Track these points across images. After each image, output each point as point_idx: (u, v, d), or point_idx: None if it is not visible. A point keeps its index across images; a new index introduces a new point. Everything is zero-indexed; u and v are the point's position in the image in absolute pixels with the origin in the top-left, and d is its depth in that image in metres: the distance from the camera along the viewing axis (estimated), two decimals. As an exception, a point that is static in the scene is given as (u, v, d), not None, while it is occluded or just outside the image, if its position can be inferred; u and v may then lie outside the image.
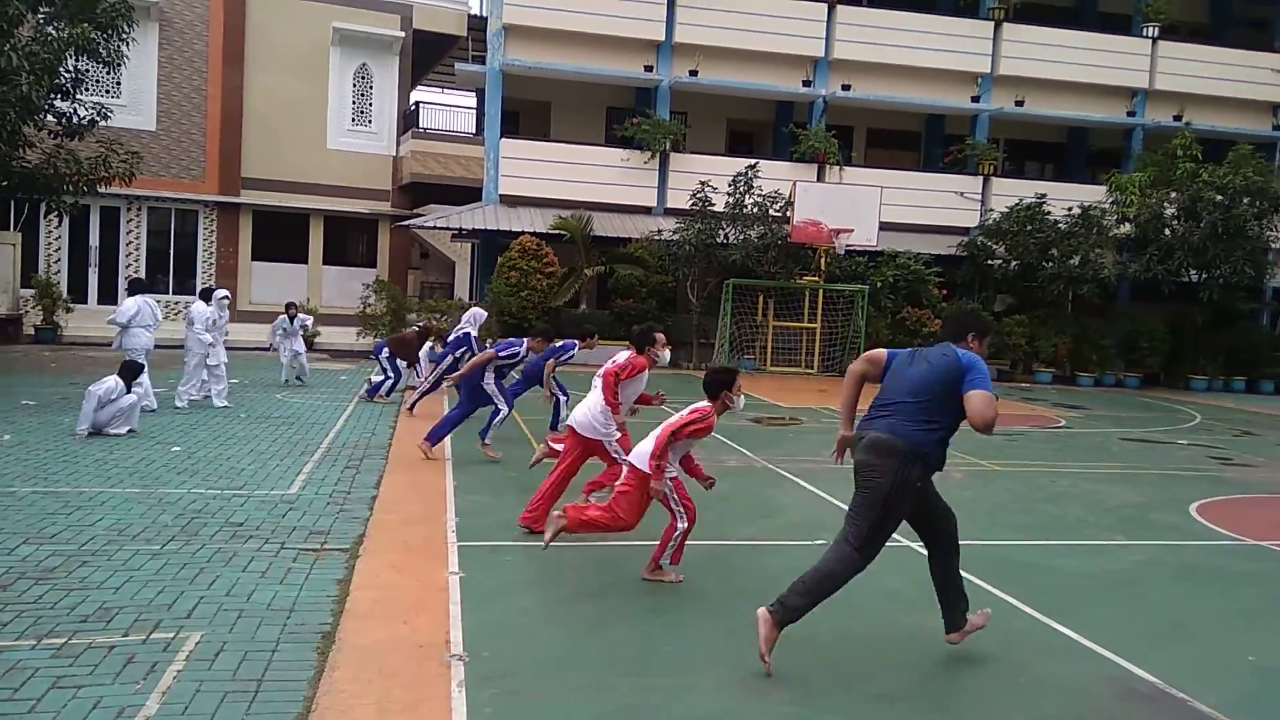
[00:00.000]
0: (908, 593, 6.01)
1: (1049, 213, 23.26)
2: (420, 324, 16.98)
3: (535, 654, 4.67)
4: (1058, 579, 6.45)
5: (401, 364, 14.66)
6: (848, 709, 4.27)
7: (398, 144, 27.77)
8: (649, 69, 24.27)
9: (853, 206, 21.34)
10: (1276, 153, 26.60)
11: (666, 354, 7.46)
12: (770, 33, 24.23)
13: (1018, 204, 23.65)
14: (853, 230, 21.13)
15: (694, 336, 22.51)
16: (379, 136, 27.62)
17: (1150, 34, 26.08)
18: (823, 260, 21.85)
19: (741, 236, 21.88)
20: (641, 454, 5.87)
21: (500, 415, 9.80)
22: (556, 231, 22.16)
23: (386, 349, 14.71)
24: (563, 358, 10.67)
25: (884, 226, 22.28)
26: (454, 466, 9.26)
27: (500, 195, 23.63)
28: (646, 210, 24.26)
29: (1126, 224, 23.79)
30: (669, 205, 23.90)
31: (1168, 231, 23.33)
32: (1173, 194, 23.36)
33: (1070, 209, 23.39)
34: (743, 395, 6.08)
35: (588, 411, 6.93)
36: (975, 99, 25.56)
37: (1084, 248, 22.79)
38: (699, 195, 21.90)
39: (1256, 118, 27.13)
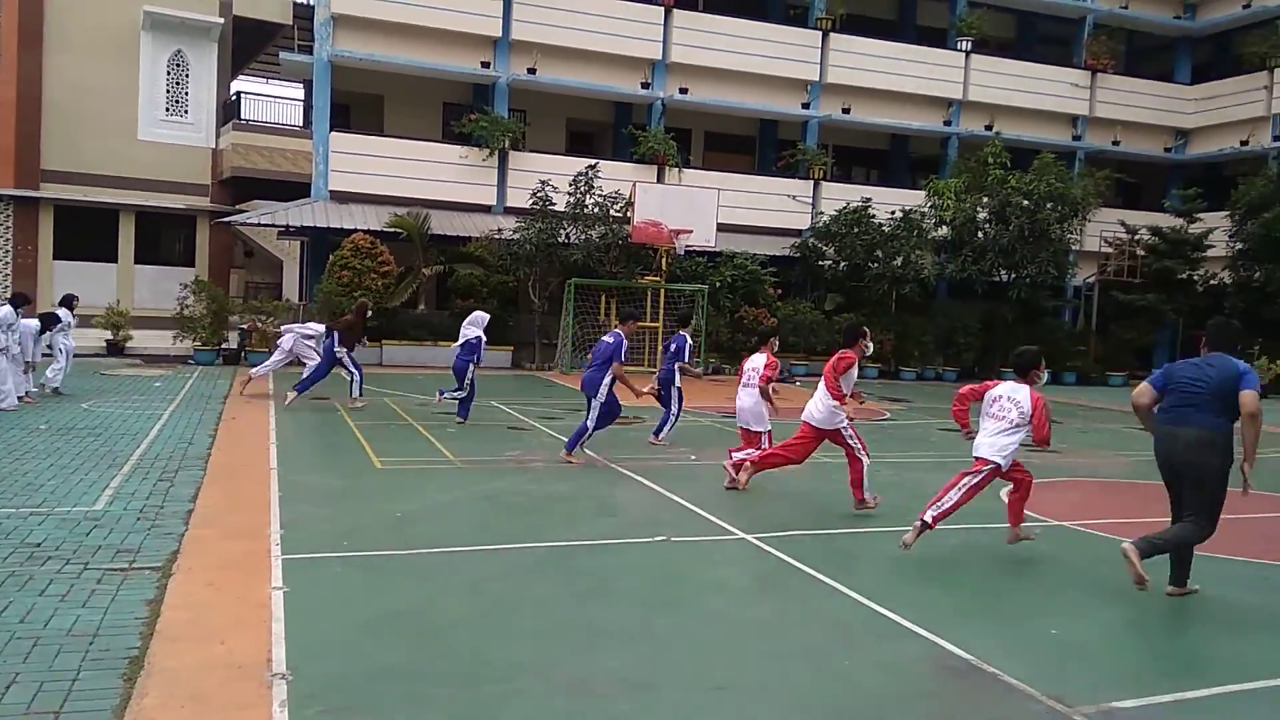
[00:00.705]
0: (741, 583, 6.13)
1: (874, 216, 24.44)
2: (357, 304, 15.78)
3: (363, 668, 4.47)
4: (882, 563, 6.73)
5: (341, 351, 13.66)
6: (683, 704, 4.29)
7: (217, 136, 26.33)
8: (486, 65, 23.96)
9: (691, 208, 21.75)
10: (1076, 161, 28.89)
11: (871, 346, 8.55)
12: (608, 34, 24.38)
13: (845, 207, 24.74)
14: (692, 231, 21.52)
15: (536, 337, 22.39)
16: (196, 128, 26.11)
17: (964, 48, 27.81)
18: (664, 260, 22.17)
19: (583, 236, 21.91)
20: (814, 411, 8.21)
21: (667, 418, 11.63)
22: (392, 229, 21.55)
23: (339, 345, 13.57)
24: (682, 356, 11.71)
25: (722, 228, 22.82)
26: (280, 476, 8.80)
27: (330, 191, 22.77)
28: (486, 209, 23.94)
29: (944, 227, 25.29)
30: (509, 204, 23.67)
31: (980, 234, 24.94)
32: (985, 199, 24.99)
33: (893, 212, 24.66)
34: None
35: (820, 408, 8.24)
36: (806, 106, 26.56)
37: (906, 249, 24.07)
38: (539, 194, 21.79)
39: (1059, 128, 29.39)
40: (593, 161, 22.52)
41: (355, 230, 21.32)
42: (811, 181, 26.38)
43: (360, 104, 25.33)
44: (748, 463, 8.70)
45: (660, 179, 24.34)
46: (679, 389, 11.68)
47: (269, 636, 4.78)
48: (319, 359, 13.91)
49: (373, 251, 20.80)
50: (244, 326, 20.51)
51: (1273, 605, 6.21)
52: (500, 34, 23.80)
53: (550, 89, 24.86)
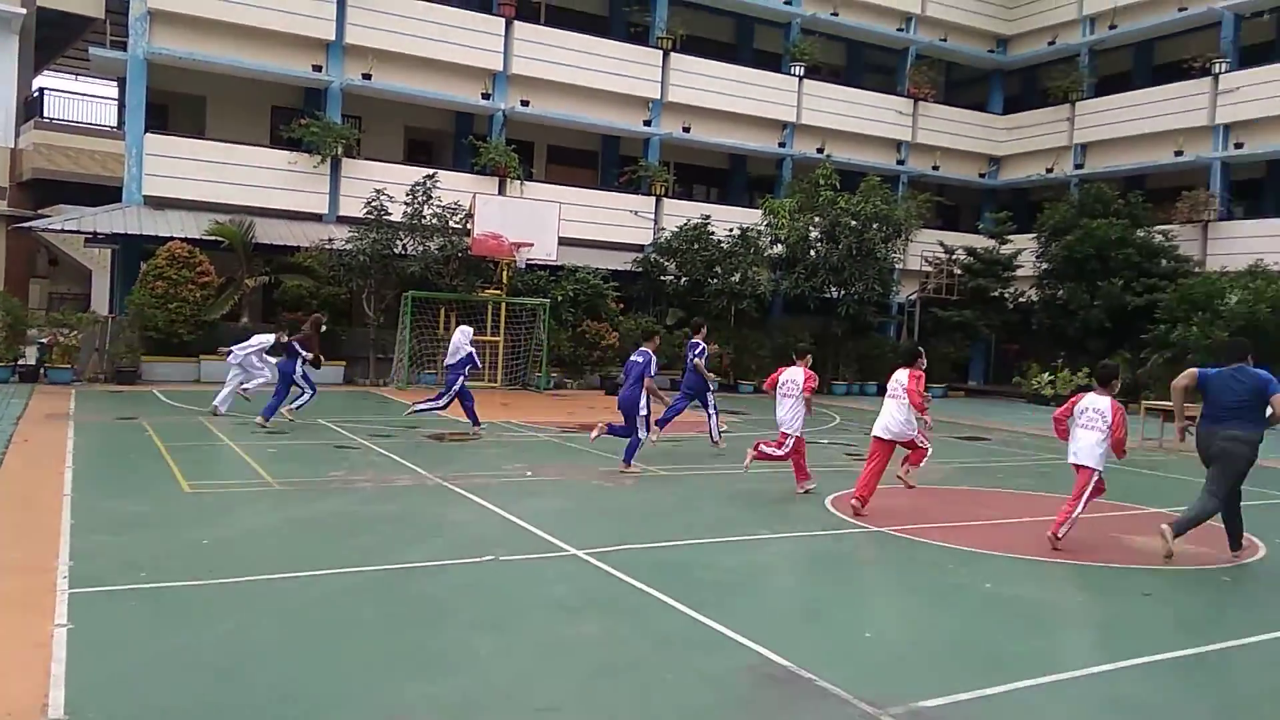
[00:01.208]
0: (571, 601, 6.04)
1: (713, 233, 25.00)
2: (310, 319, 15.16)
3: (151, 709, 4.11)
4: (711, 574, 6.78)
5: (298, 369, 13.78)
6: (500, 729, 4.15)
7: (16, 135, 24.28)
8: (318, 69, 23.10)
9: (533, 221, 21.62)
10: (900, 184, 30.50)
11: (924, 361, 9.86)
12: (448, 42, 23.98)
13: (686, 224, 25.20)
14: (533, 244, 21.39)
15: (371, 351, 21.67)
16: (-8, 125, 23.99)
17: (797, 73, 28.91)
18: (505, 273, 21.91)
19: (421, 248, 21.40)
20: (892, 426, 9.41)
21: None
22: (213, 238, 20.40)
23: (299, 361, 13.66)
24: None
25: (564, 241, 22.79)
26: (73, 502, 8.08)
27: (145, 196, 21.35)
28: (317, 218, 23.03)
29: (779, 245, 26.14)
30: (342, 213, 22.86)
31: (813, 252, 25.92)
32: (817, 219, 25.99)
33: (732, 230, 25.31)
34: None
35: (894, 422, 9.37)
36: (647, 123, 26.94)
37: (743, 265, 24.73)
38: (374, 204, 21.14)
39: (884, 153, 30.95)
40: (431, 171, 22.05)
41: (172, 238, 20.04)
42: (654, 198, 26.74)
43: (180, 105, 23.90)
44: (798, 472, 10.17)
45: (502, 191, 24.10)
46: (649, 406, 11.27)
47: (47, 679, 4.34)
48: (267, 372, 14.22)
49: (190, 261, 19.62)
50: (44, 340, 18.90)
51: (1068, 602, 6.62)
52: (333, 37, 23.01)
53: (387, 96, 24.22)
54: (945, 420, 19.57)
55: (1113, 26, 29.85)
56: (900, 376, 9.62)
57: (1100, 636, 5.79)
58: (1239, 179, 27.88)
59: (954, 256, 29.23)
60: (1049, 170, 31.23)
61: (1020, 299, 29.24)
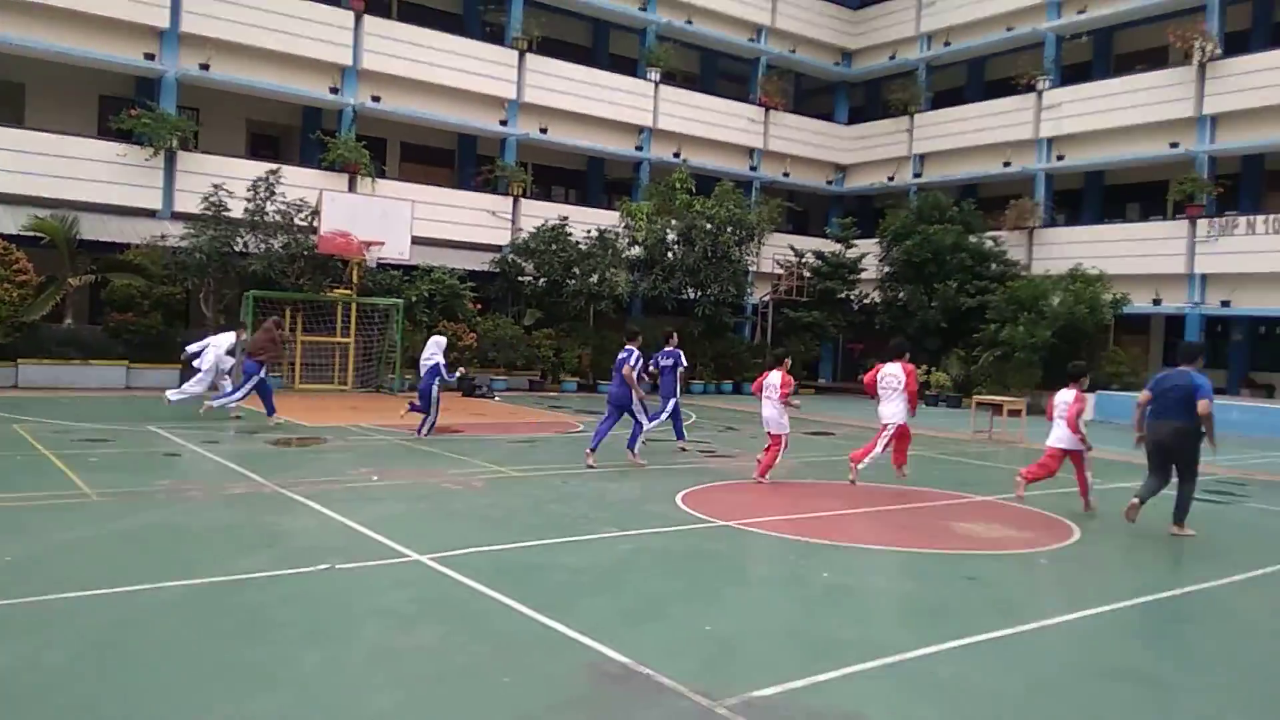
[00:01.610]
0: (408, 609, 5.86)
1: (571, 234, 24.97)
2: (270, 319, 15.90)
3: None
4: (557, 575, 6.72)
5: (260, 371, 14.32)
6: (322, 744, 3.96)
7: None
8: (150, 57, 21.81)
9: (384, 219, 21.03)
10: (752, 189, 31.28)
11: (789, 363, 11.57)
12: (294, 34, 23.09)
13: (544, 225, 25.07)
14: (384, 243, 20.80)
15: (210, 354, 20.57)
16: None
17: (653, 78, 29.23)
18: (355, 273, 21.23)
19: (263, 245, 20.48)
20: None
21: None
22: (32, 234, 18.93)
23: (259, 365, 14.26)
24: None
25: (419, 241, 22.28)
26: None
27: (-47, 188, 19.61)
28: (150, 213, 21.72)
29: (637, 247, 26.37)
30: (177, 209, 21.65)
31: (670, 255, 26.27)
32: (673, 222, 26.37)
33: (589, 231, 25.35)
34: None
35: (772, 419, 11.22)
36: (504, 123, 26.66)
37: (601, 267, 24.81)
38: (213, 199, 20.09)
39: (738, 159, 31.69)
40: (275, 166, 21.13)
41: (-16, 234, 18.51)
42: (511, 198, 26.50)
43: (-6, 91, 22.12)
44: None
45: (352, 188, 23.34)
46: (643, 401, 12.43)
47: None
48: (206, 379, 14.83)
49: (5, 258, 18.14)
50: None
51: (899, 588, 6.89)
52: (168, 25, 21.77)
53: (227, 88, 23.09)
54: (794, 417, 20.14)
55: (947, 44, 31.53)
56: (773, 378, 11.18)
57: (926, 620, 6.04)
58: (1060, 189, 29.91)
59: (804, 260, 30.20)
60: (890, 179, 32.70)
61: (865, 300, 30.48)
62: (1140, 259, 25.63)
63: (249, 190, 20.41)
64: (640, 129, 29.23)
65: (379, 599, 6.06)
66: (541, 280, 25.12)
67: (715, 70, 33.35)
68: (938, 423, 20.67)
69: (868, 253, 30.02)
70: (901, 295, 28.07)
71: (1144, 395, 9.19)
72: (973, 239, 27.57)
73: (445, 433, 14.73)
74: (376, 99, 24.54)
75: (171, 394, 15.22)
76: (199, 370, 15.15)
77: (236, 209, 20.36)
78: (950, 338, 27.04)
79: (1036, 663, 5.39)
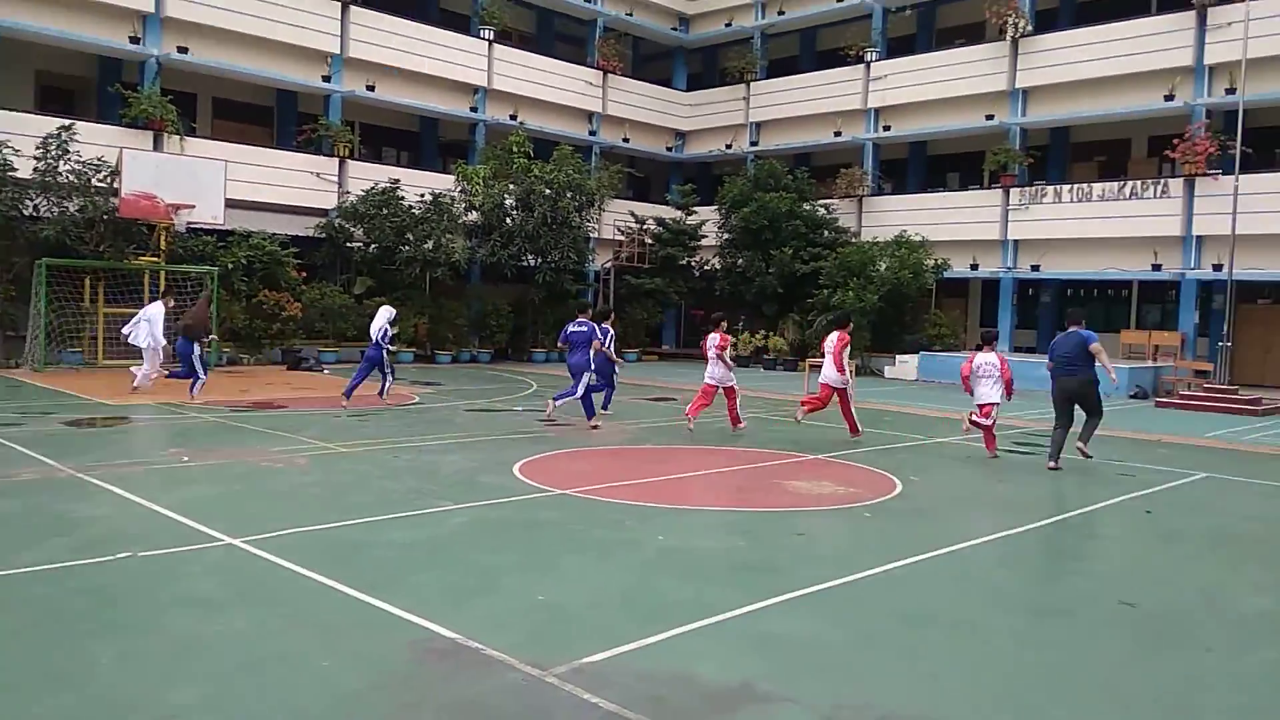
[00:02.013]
0: (218, 595, 5.45)
1: (404, 198, 24.07)
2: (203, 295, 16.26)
3: None
4: (383, 553, 6.43)
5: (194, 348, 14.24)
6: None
7: None
8: (-85, -3, 19.41)
9: (195, 181, 19.58)
10: (592, 154, 31.02)
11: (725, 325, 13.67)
12: (87, -24, 21.05)
13: (374, 188, 24.06)
14: (195, 206, 19.39)
15: (-2, 328, 18.74)
16: None
17: (487, 37, 28.40)
18: (162, 239, 19.72)
19: (56, 209, 18.71)
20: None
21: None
22: None
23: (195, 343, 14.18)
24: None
25: (235, 204, 20.91)
26: None
27: None
28: (-81, 173, 19.42)
29: (474, 212, 25.70)
30: (-47, 169, 19.43)
31: (508, 220, 25.76)
32: (511, 186, 25.83)
33: (423, 195, 24.51)
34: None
35: (714, 374, 13.01)
36: (327, 79, 25.31)
37: (437, 233, 24.06)
38: (-5, 159, 18.18)
39: (577, 123, 31.32)
40: (68, 122, 19.30)
41: None
42: (337, 159, 25.20)
43: None
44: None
45: (158, 147, 21.57)
46: (596, 371, 13.27)
47: None
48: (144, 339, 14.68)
49: None
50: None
51: (731, 547, 6.95)
52: (-66, -39, 19.42)
53: (12, 34, 20.85)
54: (635, 384, 20.25)
55: (781, 12, 32.10)
56: (713, 339, 13.07)
57: (756, 577, 6.12)
58: (887, 158, 31.14)
59: (645, 226, 30.30)
60: (728, 146, 33.17)
61: (706, 267, 30.92)
62: (959, 226, 27.04)
63: (38, 148, 18.58)
64: (475, 89, 28.40)
65: (186, 587, 5.61)
66: (372, 247, 24.13)
67: (552, 31, 32.78)
68: (775, 385, 21.26)
69: (708, 219, 30.40)
70: (740, 262, 28.60)
71: (1050, 364, 11.12)
72: (806, 207, 28.36)
73: (267, 408, 13.95)
74: (183, 50, 22.76)
75: (139, 381, 14.80)
76: (148, 349, 14.82)
77: (25, 169, 18.49)
78: (786, 303, 27.83)
79: (858, 612, 5.54)
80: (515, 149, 26.25)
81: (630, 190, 33.26)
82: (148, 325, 14.69)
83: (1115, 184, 24.74)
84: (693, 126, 34.28)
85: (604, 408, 13.87)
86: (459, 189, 25.56)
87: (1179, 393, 20.27)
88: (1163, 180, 23.94)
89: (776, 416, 15.32)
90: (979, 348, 12.05)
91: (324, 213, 24.50)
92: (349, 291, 23.34)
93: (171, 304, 15.44)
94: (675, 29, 34.38)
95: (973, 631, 5.25)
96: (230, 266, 20.72)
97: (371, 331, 14.38)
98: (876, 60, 29.37)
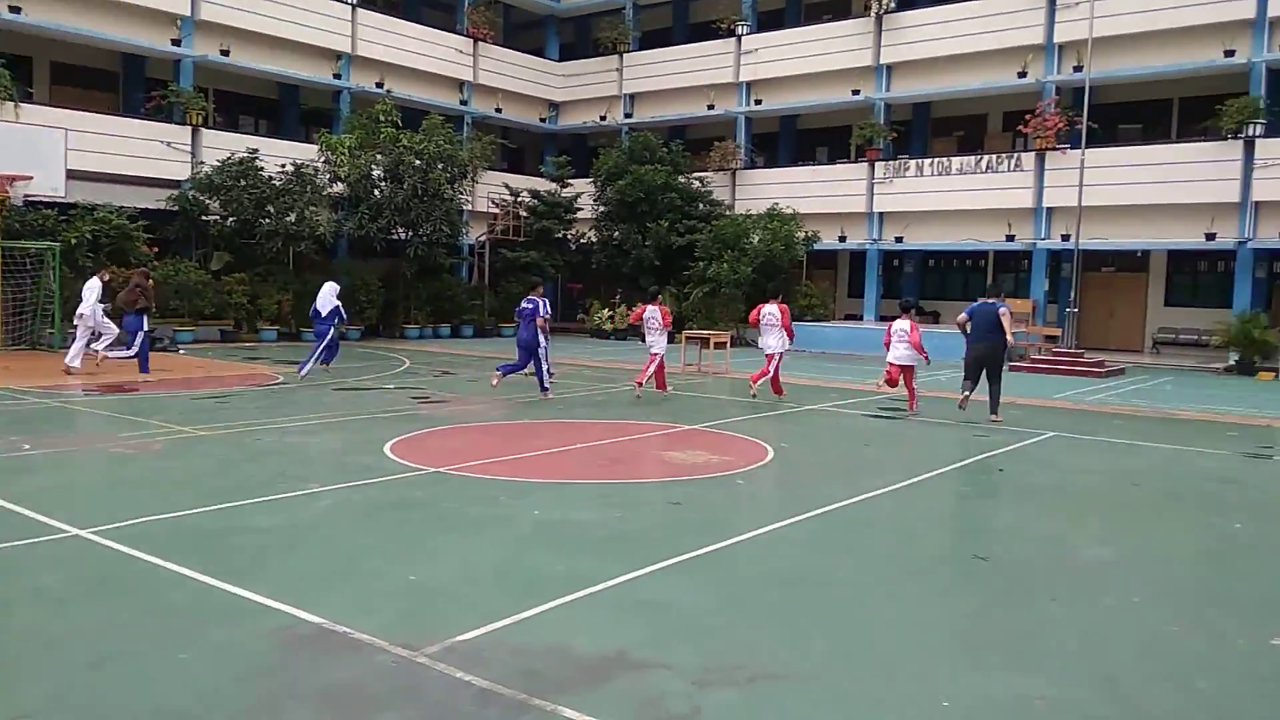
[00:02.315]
0: (64, 590, 5.13)
1: (263, 169, 23.01)
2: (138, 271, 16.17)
3: None
4: (244, 539, 6.18)
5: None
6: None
7: None
8: None
9: (31, 150, 18.12)
10: (464, 125, 30.35)
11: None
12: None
13: (231, 158, 22.91)
14: (32, 178, 17.99)
15: None
16: None
17: (351, 1, 27.30)
18: (-3, 212, 18.28)
19: None
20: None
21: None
22: None
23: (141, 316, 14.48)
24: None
25: (77, 175, 19.52)
26: None
27: None
28: None
29: (339, 183, 24.81)
30: None
31: (377, 192, 24.97)
32: (379, 157, 25.02)
33: (285, 166, 23.49)
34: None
35: (656, 343, 14.02)
36: (176, 42, 23.87)
37: (300, 205, 23.12)
38: None
39: (447, 92, 30.55)
40: (-120, 86, 17.62)
41: None
42: (189, 127, 23.83)
43: None
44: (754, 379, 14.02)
45: (-11, 114, 19.94)
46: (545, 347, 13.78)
47: None
48: (112, 326, 14.85)
49: None
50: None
51: (607, 519, 6.96)
52: None
53: None
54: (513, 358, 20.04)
55: (653, -17, 32.06)
56: (654, 312, 13.94)
57: (632, 547, 6.16)
58: (759, 132, 31.63)
59: (520, 199, 29.94)
60: (603, 118, 33.02)
61: (582, 240, 30.80)
62: (828, 199, 27.76)
63: None
64: (338, 55, 27.31)
65: (28, 582, 5.27)
66: (230, 220, 23.00)
67: (418, -3, 31.84)
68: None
69: (583, 192, 30.24)
70: (617, 234, 28.60)
71: (963, 318, 12.31)
72: (681, 179, 28.55)
73: (116, 391, 13.19)
74: (16, 9, 21.05)
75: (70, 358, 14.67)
76: (99, 328, 14.85)
77: None
78: (664, 275, 28.02)
79: (730, 576, 5.65)
80: (382, 118, 25.41)
81: (504, 162, 32.75)
82: (86, 302, 14.72)
83: (972, 158, 25.85)
84: (567, 97, 33.96)
85: (503, 373, 14.21)
86: (323, 159, 24.60)
87: (1030, 357, 21.45)
88: (1016, 154, 25.15)
89: (653, 389, 15.41)
90: (897, 316, 13.19)
91: (176, 184, 23.19)
92: (206, 267, 22.21)
93: (107, 278, 15.61)
94: (547, -2, 33.87)
95: (838, 590, 5.43)
96: (74, 242, 19.37)
97: (320, 308, 14.94)
98: (747, 34, 29.71)
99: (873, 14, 27.02)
